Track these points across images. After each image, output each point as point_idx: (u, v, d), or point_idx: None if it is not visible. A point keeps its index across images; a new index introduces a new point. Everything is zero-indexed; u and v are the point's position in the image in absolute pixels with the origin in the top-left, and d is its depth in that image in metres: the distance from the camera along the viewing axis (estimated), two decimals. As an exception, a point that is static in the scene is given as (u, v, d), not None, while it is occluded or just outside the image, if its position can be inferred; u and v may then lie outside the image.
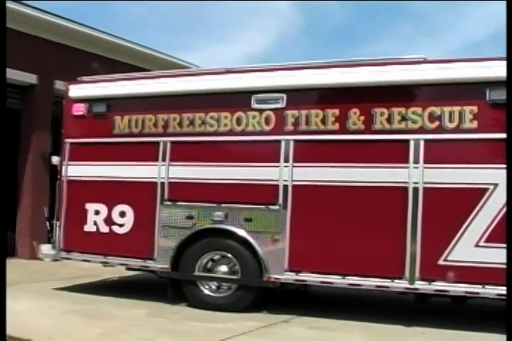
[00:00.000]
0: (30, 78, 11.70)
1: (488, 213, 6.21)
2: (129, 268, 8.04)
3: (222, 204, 7.11)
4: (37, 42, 11.79)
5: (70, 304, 7.22)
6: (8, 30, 10.51)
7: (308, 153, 6.87)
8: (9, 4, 10.43)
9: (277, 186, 6.90)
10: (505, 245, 6.08)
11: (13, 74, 10.50)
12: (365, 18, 39.16)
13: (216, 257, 7.30)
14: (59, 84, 10.91)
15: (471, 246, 6.24)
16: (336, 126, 6.76)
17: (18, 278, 8.55)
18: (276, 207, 6.89)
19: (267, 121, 7.03)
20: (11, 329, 5.40)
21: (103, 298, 7.58)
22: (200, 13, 37.71)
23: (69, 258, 7.88)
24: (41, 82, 11.84)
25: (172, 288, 7.32)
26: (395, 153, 6.53)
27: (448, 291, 6.29)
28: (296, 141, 6.88)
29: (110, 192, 7.64)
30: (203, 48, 38.10)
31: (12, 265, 9.53)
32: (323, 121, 6.81)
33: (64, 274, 9.34)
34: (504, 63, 6.23)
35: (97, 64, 11.15)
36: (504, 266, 6.04)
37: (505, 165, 6.15)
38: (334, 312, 6.91)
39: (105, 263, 7.76)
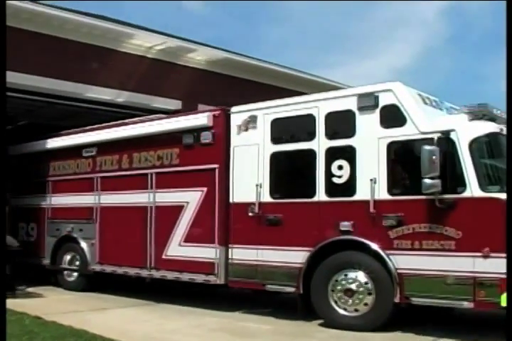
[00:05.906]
0: (176, 104, 13.21)
1: (184, 222, 8.99)
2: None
3: (70, 220, 10.87)
4: (183, 70, 13.47)
5: (218, 322, 7.77)
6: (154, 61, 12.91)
7: (105, 185, 10.30)
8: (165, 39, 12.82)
9: (93, 207, 10.45)
10: (200, 244, 8.83)
11: (159, 103, 12.79)
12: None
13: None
14: (201, 108, 12.15)
15: (177, 245, 9.08)
16: (116, 166, 10.11)
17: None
18: (91, 221, 10.44)
19: (89, 164, 10.64)
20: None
21: (252, 316, 8.19)
22: (341, 30, 39.60)
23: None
24: (185, 107, 12.96)
25: (55, 278, 11.25)
26: (143, 183, 9.62)
27: (167, 276, 9.19)
28: (100, 177, 10.38)
29: (27, 214, 11.87)
30: (349, 64, 39.88)
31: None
32: (112, 163, 10.20)
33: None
34: (191, 116, 9.07)
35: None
36: (193, 259, 8.85)
37: (193, 188, 8.95)
38: (471, 333, 6.88)
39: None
